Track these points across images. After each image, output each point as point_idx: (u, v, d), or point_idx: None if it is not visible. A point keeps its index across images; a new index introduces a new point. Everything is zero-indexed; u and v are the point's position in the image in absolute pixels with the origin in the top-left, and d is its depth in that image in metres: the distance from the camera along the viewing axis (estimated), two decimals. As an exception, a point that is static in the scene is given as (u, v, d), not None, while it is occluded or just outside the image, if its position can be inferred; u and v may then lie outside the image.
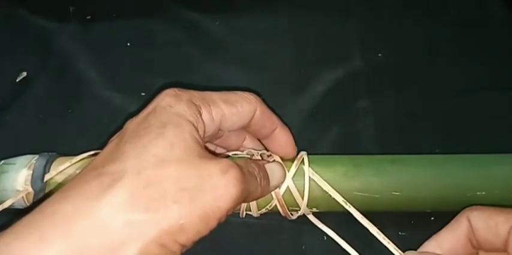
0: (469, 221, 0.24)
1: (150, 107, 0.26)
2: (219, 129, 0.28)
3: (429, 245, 0.25)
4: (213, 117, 0.26)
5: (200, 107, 0.26)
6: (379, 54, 0.45)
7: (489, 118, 0.41)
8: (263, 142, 0.32)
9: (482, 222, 0.24)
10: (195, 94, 0.26)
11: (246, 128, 0.29)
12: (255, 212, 0.31)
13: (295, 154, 0.32)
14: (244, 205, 0.31)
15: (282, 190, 0.30)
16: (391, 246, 0.25)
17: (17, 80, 0.43)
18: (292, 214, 0.32)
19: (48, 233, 0.20)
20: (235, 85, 0.41)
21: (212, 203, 0.23)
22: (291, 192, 0.31)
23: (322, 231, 0.32)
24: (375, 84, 0.43)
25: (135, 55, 0.45)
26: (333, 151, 0.38)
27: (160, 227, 0.21)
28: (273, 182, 0.29)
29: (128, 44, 0.46)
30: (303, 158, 0.32)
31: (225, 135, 0.31)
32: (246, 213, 0.32)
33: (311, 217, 0.32)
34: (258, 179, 0.27)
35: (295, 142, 0.31)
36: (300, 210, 0.31)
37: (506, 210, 0.24)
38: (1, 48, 0.46)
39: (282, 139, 0.31)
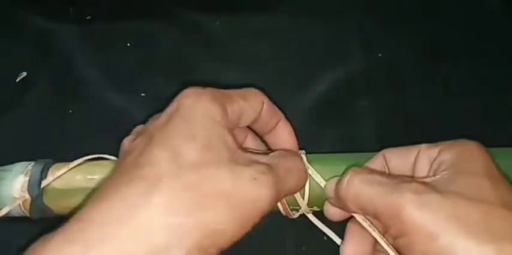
0: (384, 156, 0.29)
1: (172, 106, 0.26)
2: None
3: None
4: (235, 113, 0.26)
5: (224, 104, 0.26)
6: (379, 54, 0.45)
7: (489, 118, 0.41)
8: (266, 138, 0.32)
9: (394, 154, 0.28)
10: (216, 92, 0.26)
11: (253, 123, 0.29)
12: None
13: (297, 147, 0.32)
14: None
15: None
16: (389, 249, 0.25)
17: (17, 80, 0.43)
18: (293, 213, 0.32)
19: (92, 241, 0.20)
20: (235, 85, 0.41)
21: (248, 207, 0.23)
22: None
23: (322, 232, 0.32)
24: (375, 84, 0.43)
25: (135, 56, 0.45)
26: (333, 150, 0.38)
27: (201, 231, 0.21)
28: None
29: (128, 44, 0.46)
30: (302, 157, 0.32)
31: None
32: None
33: (311, 216, 0.32)
34: (296, 174, 0.27)
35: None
36: (300, 209, 0.31)
37: (418, 145, 0.27)
38: (1, 48, 0.46)
39: (286, 131, 0.31)
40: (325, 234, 0.32)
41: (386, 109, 0.41)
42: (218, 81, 0.43)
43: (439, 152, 0.26)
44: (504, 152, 0.33)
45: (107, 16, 0.47)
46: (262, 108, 0.29)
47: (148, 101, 0.42)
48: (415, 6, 0.48)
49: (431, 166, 0.26)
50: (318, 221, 0.32)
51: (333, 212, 0.29)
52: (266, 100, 0.29)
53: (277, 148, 0.31)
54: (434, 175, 0.25)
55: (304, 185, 0.30)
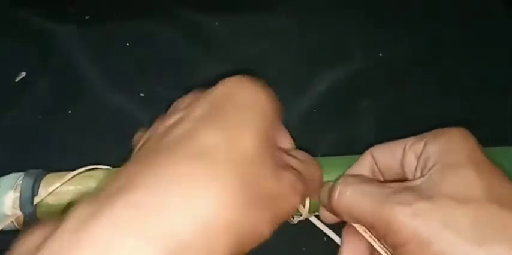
0: (372, 154, 0.28)
1: (218, 91, 0.24)
2: None
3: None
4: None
5: (273, 96, 0.25)
6: (379, 54, 0.45)
7: (489, 118, 0.41)
8: None
9: (381, 152, 0.28)
10: (265, 85, 0.25)
11: None
12: None
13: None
14: None
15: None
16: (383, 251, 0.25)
17: (16, 80, 0.43)
18: (293, 218, 0.32)
19: (151, 230, 0.18)
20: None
21: (281, 212, 0.23)
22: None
23: (323, 233, 0.32)
24: (375, 84, 0.43)
25: (134, 56, 0.45)
26: (333, 151, 0.38)
27: (244, 229, 0.20)
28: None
29: (128, 44, 0.46)
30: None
31: None
32: None
33: (313, 219, 0.32)
34: (317, 179, 0.27)
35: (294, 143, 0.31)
36: (301, 214, 0.31)
37: (404, 139, 0.27)
38: (3, 48, 0.46)
39: (285, 135, 0.30)
40: (325, 235, 0.32)
41: (386, 109, 0.41)
42: (217, 81, 0.43)
43: (424, 146, 0.26)
44: (505, 151, 0.33)
45: (107, 16, 0.47)
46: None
47: (148, 101, 0.42)
48: (415, 6, 0.48)
49: (418, 161, 0.26)
50: (319, 222, 0.32)
51: (328, 216, 0.29)
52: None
53: None
54: (422, 174, 0.25)
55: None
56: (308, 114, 0.41)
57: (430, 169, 0.24)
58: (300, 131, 0.39)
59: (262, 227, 0.21)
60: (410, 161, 0.26)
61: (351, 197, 0.25)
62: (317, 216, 0.32)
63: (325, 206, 0.28)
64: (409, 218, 0.22)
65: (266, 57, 0.45)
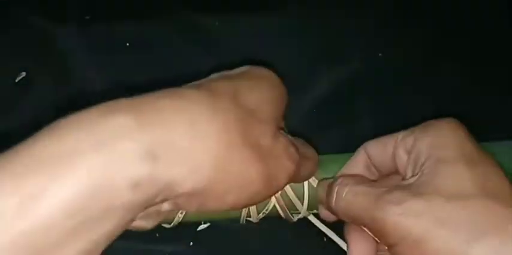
0: (366, 150, 0.29)
1: (241, 69, 0.25)
2: None
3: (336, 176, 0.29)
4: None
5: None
6: (379, 54, 0.45)
7: (489, 118, 0.41)
8: None
9: (374, 147, 0.28)
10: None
11: None
12: (254, 218, 0.31)
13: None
14: (244, 212, 0.31)
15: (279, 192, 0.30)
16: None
17: (16, 80, 0.43)
18: (293, 216, 0.32)
19: (83, 142, 0.18)
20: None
21: (276, 171, 0.22)
22: (288, 195, 0.31)
23: (322, 232, 0.32)
24: (375, 84, 0.43)
25: (134, 56, 0.45)
26: (333, 151, 0.38)
27: (226, 174, 0.20)
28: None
29: (128, 44, 0.46)
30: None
31: None
32: (246, 219, 0.32)
33: (311, 218, 0.32)
34: (310, 165, 0.27)
35: None
36: (300, 213, 0.31)
37: (395, 133, 0.27)
38: (3, 48, 0.46)
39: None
40: (324, 234, 0.32)
41: (386, 109, 0.41)
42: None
43: (414, 142, 0.25)
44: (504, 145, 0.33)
45: (107, 16, 0.47)
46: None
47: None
48: (415, 6, 0.48)
49: (409, 157, 0.25)
50: (319, 222, 0.32)
51: (327, 215, 0.29)
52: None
53: None
54: (414, 170, 0.25)
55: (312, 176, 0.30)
56: (308, 113, 0.41)
57: (421, 166, 0.24)
58: (300, 131, 0.39)
59: (250, 177, 0.21)
60: (401, 157, 0.26)
61: (346, 198, 0.25)
62: (316, 215, 0.33)
63: (323, 204, 0.28)
64: (400, 217, 0.22)
65: (266, 57, 0.45)
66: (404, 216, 0.22)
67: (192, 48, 0.45)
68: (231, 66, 0.43)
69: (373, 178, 0.29)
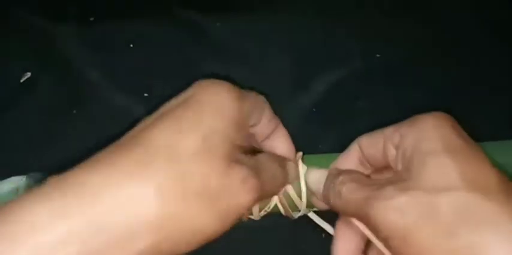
0: (359, 145, 0.29)
1: (188, 92, 0.25)
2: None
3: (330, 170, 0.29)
4: (247, 110, 0.26)
5: (240, 99, 0.25)
6: (379, 54, 0.45)
7: (489, 118, 0.41)
8: (262, 145, 0.31)
9: (366, 141, 0.28)
10: (234, 86, 0.26)
11: (253, 127, 0.29)
12: (256, 216, 0.31)
13: (294, 153, 0.32)
14: None
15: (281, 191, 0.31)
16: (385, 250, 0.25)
17: (21, 81, 0.44)
18: (293, 214, 0.32)
19: (65, 208, 0.19)
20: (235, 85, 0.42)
21: (229, 208, 0.23)
22: (289, 194, 0.31)
23: (322, 229, 0.32)
24: (374, 84, 0.43)
25: (137, 56, 0.45)
26: (333, 151, 0.38)
27: (179, 223, 0.21)
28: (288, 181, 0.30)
29: (130, 45, 0.46)
30: (299, 159, 0.32)
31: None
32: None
33: (311, 214, 0.33)
34: (279, 182, 0.28)
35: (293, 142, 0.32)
36: (300, 210, 0.31)
37: (385, 128, 0.27)
38: (4, 48, 0.46)
39: (283, 138, 0.31)
40: (323, 231, 0.32)
41: (386, 109, 0.41)
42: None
43: (400, 137, 0.25)
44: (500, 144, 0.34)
45: (108, 16, 0.47)
46: (262, 111, 0.28)
47: (151, 101, 0.42)
48: (415, 6, 0.48)
49: (397, 152, 0.26)
50: (319, 218, 0.33)
51: (320, 203, 0.30)
52: (267, 105, 0.29)
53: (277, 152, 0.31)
54: (403, 165, 0.25)
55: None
56: (308, 113, 0.41)
57: (409, 160, 0.24)
58: (300, 130, 0.39)
59: (204, 223, 0.22)
60: (391, 152, 0.26)
61: (343, 197, 0.26)
62: (315, 212, 0.33)
63: (317, 196, 0.29)
64: (389, 213, 0.22)
65: (266, 57, 0.45)
66: (393, 212, 0.22)
67: (192, 48, 0.45)
68: (232, 66, 0.44)
69: (367, 172, 0.29)
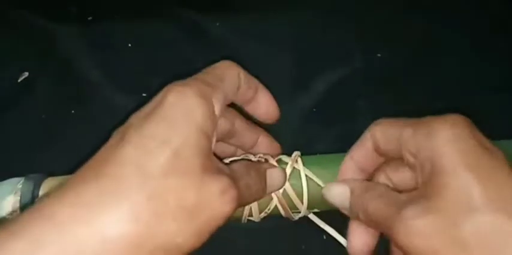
0: (373, 136, 0.28)
1: (155, 102, 0.24)
2: (231, 127, 0.28)
3: (346, 164, 0.29)
4: (220, 100, 0.25)
5: (209, 97, 0.24)
6: (379, 54, 0.45)
7: (489, 118, 0.41)
8: (247, 108, 0.30)
9: (381, 137, 0.27)
10: (201, 85, 0.25)
11: (234, 97, 0.28)
12: (256, 217, 0.31)
13: (278, 113, 0.31)
14: (246, 211, 0.31)
15: (281, 190, 0.31)
16: None
17: (19, 80, 0.43)
18: (294, 215, 0.32)
19: (42, 238, 0.19)
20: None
21: (208, 222, 0.22)
22: (288, 194, 0.31)
23: (322, 230, 0.32)
24: (374, 84, 0.43)
25: (136, 56, 0.45)
26: (333, 151, 0.38)
27: (157, 243, 0.21)
28: (270, 189, 0.29)
29: (130, 45, 0.46)
30: (297, 159, 0.31)
31: (238, 134, 0.30)
32: (247, 219, 0.32)
33: (311, 216, 0.32)
34: (254, 191, 0.27)
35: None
36: (300, 212, 0.31)
37: (402, 119, 0.27)
38: (2, 48, 0.46)
39: (265, 99, 0.30)
40: (324, 232, 0.32)
41: (386, 109, 0.41)
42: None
43: (417, 149, 0.24)
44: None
45: (107, 16, 0.47)
46: (240, 81, 0.28)
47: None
48: (415, 6, 0.48)
49: (415, 161, 0.24)
50: (319, 220, 0.32)
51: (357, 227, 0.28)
52: (241, 71, 0.28)
53: (260, 117, 0.31)
54: (424, 180, 0.23)
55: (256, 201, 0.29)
56: (308, 113, 0.41)
57: (428, 176, 0.23)
58: (300, 130, 0.39)
59: (183, 238, 0.22)
60: (409, 159, 0.25)
61: (370, 214, 0.25)
62: (316, 213, 0.33)
63: (340, 209, 0.28)
64: (411, 235, 0.22)
65: (266, 57, 0.45)
66: (415, 234, 0.22)
67: (192, 48, 0.45)
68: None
69: (380, 160, 0.28)
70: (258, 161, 0.30)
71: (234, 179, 0.24)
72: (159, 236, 0.21)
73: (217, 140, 0.28)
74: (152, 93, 0.42)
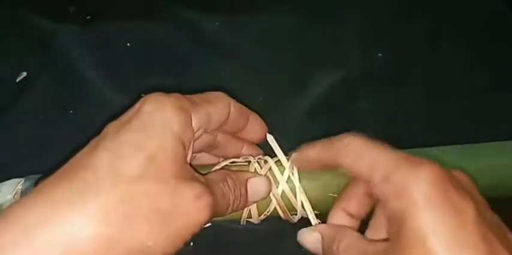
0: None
1: (133, 110, 0.25)
2: (214, 136, 0.29)
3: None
4: (202, 119, 0.26)
5: (188, 111, 0.25)
6: (379, 54, 0.45)
7: (489, 118, 0.41)
8: (240, 134, 0.31)
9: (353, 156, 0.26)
10: (181, 99, 0.25)
11: (223, 125, 0.29)
12: (255, 219, 0.31)
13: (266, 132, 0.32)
14: (245, 213, 0.31)
15: (279, 192, 0.30)
16: None
17: (17, 80, 0.43)
18: (293, 217, 0.32)
19: (7, 241, 0.19)
20: (235, 85, 0.41)
21: (181, 228, 0.22)
22: (287, 196, 0.31)
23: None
24: (374, 84, 0.43)
25: (135, 56, 0.45)
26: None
27: (127, 245, 0.21)
28: (254, 198, 0.29)
29: (128, 44, 0.46)
30: (293, 161, 0.31)
31: (221, 145, 0.31)
32: (246, 220, 0.32)
33: (311, 218, 0.32)
34: (231, 201, 0.27)
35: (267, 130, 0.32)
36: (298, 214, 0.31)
37: (374, 173, 0.24)
38: (4, 48, 0.46)
39: (257, 126, 0.31)
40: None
41: (386, 109, 0.41)
42: (218, 81, 0.43)
43: (386, 207, 0.23)
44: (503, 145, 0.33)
45: (107, 16, 0.47)
46: (229, 111, 0.28)
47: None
48: (415, 6, 0.48)
49: (385, 217, 0.23)
50: (318, 222, 0.32)
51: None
52: (233, 102, 0.29)
53: (251, 140, 0.31)
54: (392, 239, 0.22)
55: (239, 210, 0.29)
56: (308, 113, 0.41)
57: (396, 236, 0.22)
58: (300, 130, 0.39)
59: (155, 243, 0.21)
60: (379, 217, 0.25)
61: None
62: (316, 215, 0.33)
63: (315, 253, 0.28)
64: None
65: (266, 57, 0.45)
66: None
67: (192, 48, 0.45)
68: (231, 66, 0.44)
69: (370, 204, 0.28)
70: (258, 163, 0.31)
71: (209, 187, 0.24)
72: (130, 238, 0.21)
73: (199, 151, 0.29)
74: (150, 93, 0.42)
